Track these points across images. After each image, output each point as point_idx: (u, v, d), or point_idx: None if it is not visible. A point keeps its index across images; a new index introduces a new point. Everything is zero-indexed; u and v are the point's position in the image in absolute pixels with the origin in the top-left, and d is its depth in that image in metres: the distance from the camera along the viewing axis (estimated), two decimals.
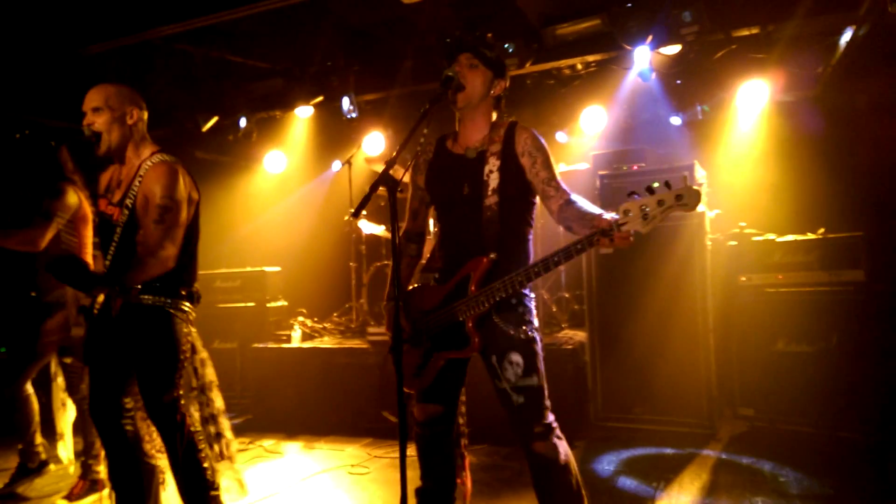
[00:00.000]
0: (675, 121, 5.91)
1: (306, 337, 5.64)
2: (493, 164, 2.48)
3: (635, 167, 4.76)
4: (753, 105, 5.50)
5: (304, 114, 6.45)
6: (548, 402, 2.44)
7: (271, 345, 5.50)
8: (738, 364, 4.57)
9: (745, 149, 5.64)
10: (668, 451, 4.14)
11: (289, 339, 5.49)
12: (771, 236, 4.60)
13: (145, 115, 2.89)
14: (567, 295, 5.76)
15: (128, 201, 2.73)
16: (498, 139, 2.53)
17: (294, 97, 5.81)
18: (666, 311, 4.47)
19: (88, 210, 3.79)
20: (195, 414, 3.18)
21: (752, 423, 4.50)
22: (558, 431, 2.44)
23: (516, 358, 2.39)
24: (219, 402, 4.02)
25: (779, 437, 4.26)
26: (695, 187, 2.08)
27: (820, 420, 4.22)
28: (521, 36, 5.02)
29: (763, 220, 4.81)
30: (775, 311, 4.48)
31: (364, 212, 6.26)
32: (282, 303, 6.09)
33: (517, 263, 2.42)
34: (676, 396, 4.43)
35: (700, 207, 4.51)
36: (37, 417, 3.90)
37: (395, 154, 2.35)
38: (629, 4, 4.52)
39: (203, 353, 4.01)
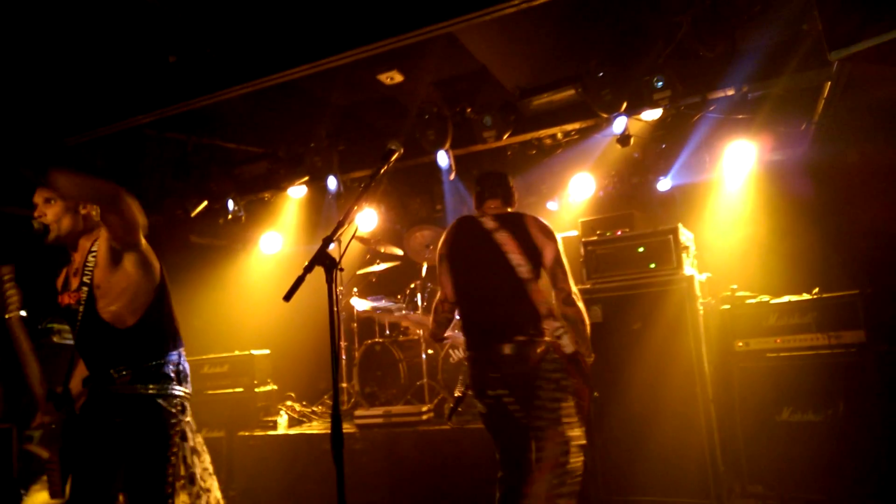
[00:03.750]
0: (664, 185, 5.84)
1: (294, 422, 5.45)
2: None
3: (619, 233, 4.66)
4: (741, 166, 5.42)
5: (296, 194, 6.50)
6: None
7: (258, 432, 5.32)
8: (744, 436, 4.31)
9: (734, 210, 5.53)
10: None
11: (275, 426, 5.32)
12: (765, 298, 4.42)
13: None
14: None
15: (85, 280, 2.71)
16: None
17: (279, 179, 5.87)
18: (659, 382, 4.25)
19: None
20: None
21: (763, 500, 4.19)
22: None
23: None
24: (216, 492, 3.85)
25: None
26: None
27: (834, 494, 3.93)
28: (498, 109, 5.04)
29: (755, 282, 4.64)
30: (777, 377, 4.26)
31: (356, 289, 6.11)
32: (271, 387, 5.95)
33: None
34: (681, 474, 4.14)
35: (689, 270, 4.38)
36: None
37: (331, 233, 2.29)
38: (601, 74, 4.52)
39: (194, 441, 3.86)
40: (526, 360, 2.92)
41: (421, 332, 5.58)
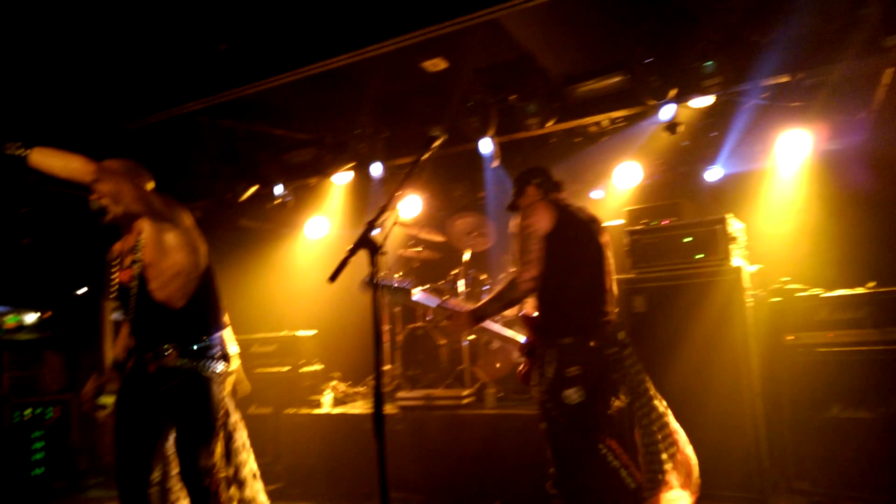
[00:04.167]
0: (714, 174, 5.71)
1: (338, 402, 5.58)
2: None
3: (665, 222, 4.59)
4: (795, 155, 5.26)
5: (342, 180, 6.60)
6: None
7: (303, 410, 5.47)
8: (791, 432, 4.22)
9: (788, 201, 5.37)
10: None
11: (320, 405, 5.45)
12: (817, 291, 4.30)
13: (150, 185, 3.00)
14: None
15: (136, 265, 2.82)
16: None
17: (325, 165, 5.97)
18: (703, 374, 4.19)
19: None
20: (222, 477, 3.18)
21: (809, 497, 4.11)
22: None
23: None
24: (251, 464, 4.03)
25: None
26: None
27: (883, 495, 3.83)
28: (542, 96, 5.00)
29: (808, 275, 4.52)
30: (828, 372, 4.15)
31: (399, 274, 6.17)
32: (317, 367, 6.08)
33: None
34: (724, 467, 4.06)
35: (737, 261, 4.29)
36: None
37: (374, 218, 2.34)
38: (649, 60, 4.45)
39: (235, 416, 4.06)
40: (623, 343, 3.08)
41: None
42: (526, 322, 3.29)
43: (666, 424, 3.09)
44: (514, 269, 3.10)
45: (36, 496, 5.53)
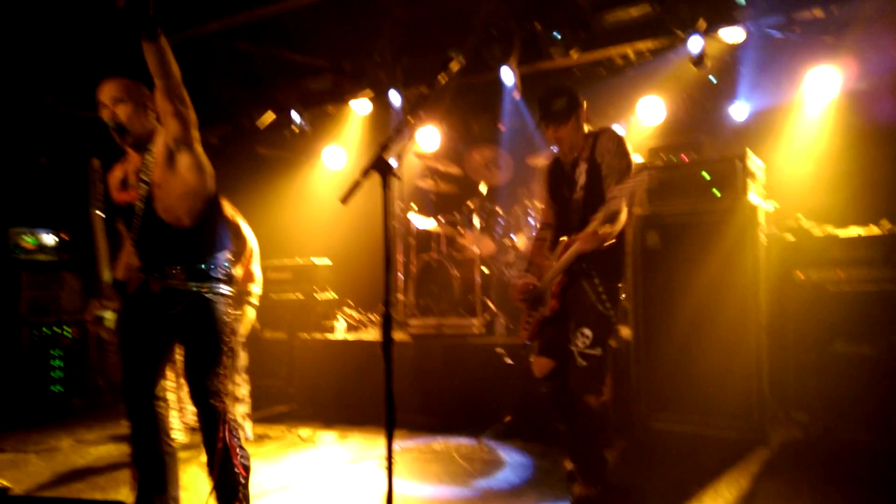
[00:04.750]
0: (739, 111, 5.58)
1: (350, 328, 5.70)
2: (581, 167, 3.13)
3: (684, 159, 4.52)
4: (823, 93, 5.12)
5: (361, 110, 6.55)
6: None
7: (316, 335, 5.60)
8: (794, 365, 4.27)
9: (811, 139, 5.26)
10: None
11: (333, 331, 5.57)
12: (830, 229, 4.27)
13: None
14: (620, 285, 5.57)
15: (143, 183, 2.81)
16: (587, 146, 3.14)
17: (343, 92, 5.90)
18: (712, 308, 4.20)
19: None
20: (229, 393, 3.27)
21: (806, 429, 4.19)
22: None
23: (587, 332, 2.99)
24: (244, 387, 4.20)
25: (833, 448, 3.95)
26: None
27: (880, 430, 3.90)
28: (568, 24, 4.87)
29: (823, 212, 4.47)
30: (836, 309, 4.15)
31: (414, 205, 6.19)
32: (331, 295, 6.18)
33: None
34: (725, 398, 4.14)
35: (754, 199, 4.24)
36: None
37: (387, 139, 2.33)
38: None
39: (241, 337, 4.18)
40: None
41: (477, 249, 5.66)
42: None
43: None
44: (611, 190, 2.96)
45: (55, 411, 5.75)
